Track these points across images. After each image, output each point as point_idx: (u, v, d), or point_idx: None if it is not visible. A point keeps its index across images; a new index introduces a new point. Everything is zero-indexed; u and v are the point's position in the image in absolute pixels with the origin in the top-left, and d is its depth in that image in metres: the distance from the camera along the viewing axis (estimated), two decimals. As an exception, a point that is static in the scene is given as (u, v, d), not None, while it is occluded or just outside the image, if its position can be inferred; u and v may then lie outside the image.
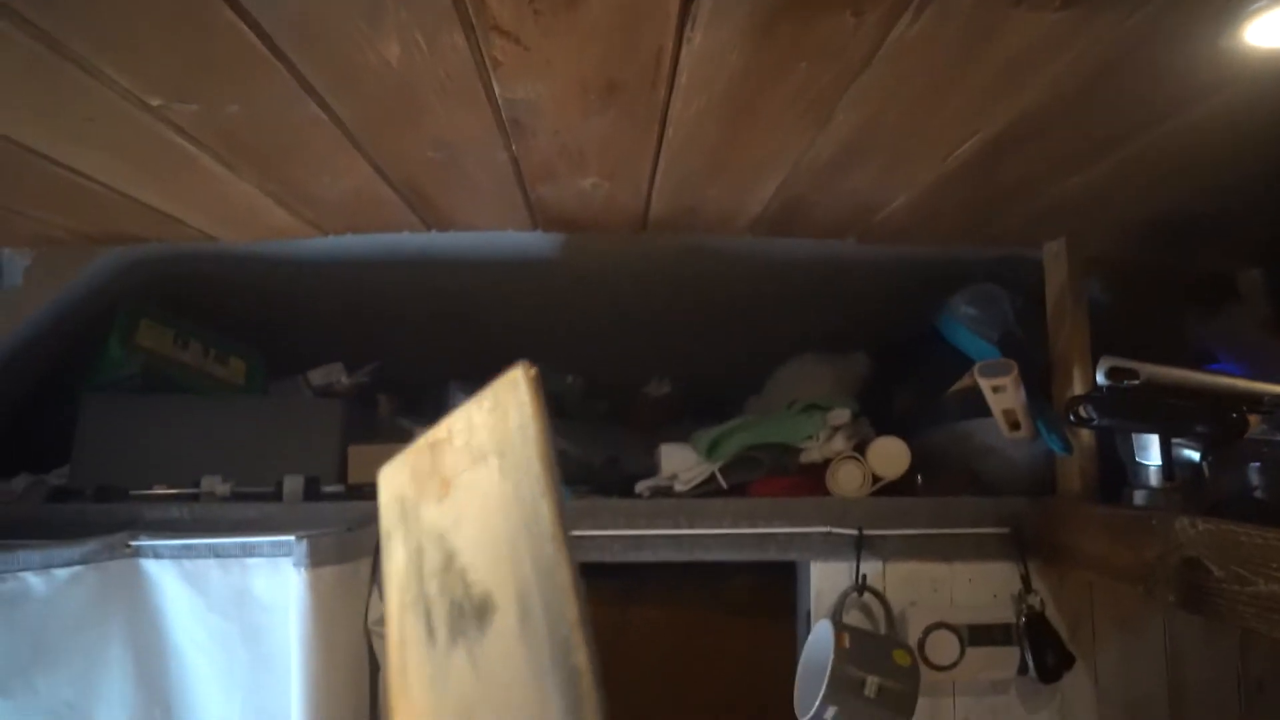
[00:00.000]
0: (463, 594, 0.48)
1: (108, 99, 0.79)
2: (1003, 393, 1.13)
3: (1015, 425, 1.22)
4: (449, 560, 0.50)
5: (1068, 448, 1.21)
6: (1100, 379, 1.02)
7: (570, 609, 0.42)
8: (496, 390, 0.51)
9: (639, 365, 1.70)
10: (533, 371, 0.48)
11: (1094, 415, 0.97)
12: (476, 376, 1.53)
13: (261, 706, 1.15)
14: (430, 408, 1.52)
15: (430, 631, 0.50)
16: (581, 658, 0.40)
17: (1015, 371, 1.10)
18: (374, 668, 1.16)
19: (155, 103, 0.81)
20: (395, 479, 0.58)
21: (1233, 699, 1.33)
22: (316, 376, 1.50)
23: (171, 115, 0.84)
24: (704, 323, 1.68)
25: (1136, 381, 0.98)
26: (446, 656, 0.48)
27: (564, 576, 0.43)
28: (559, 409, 1.53)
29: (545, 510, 0.44)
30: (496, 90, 0.81)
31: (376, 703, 1.16)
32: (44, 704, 1.10)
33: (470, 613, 0.47)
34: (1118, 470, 1.22)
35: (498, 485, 0.48)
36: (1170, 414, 0.96)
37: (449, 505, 0.51)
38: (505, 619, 0.45)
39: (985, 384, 1.12)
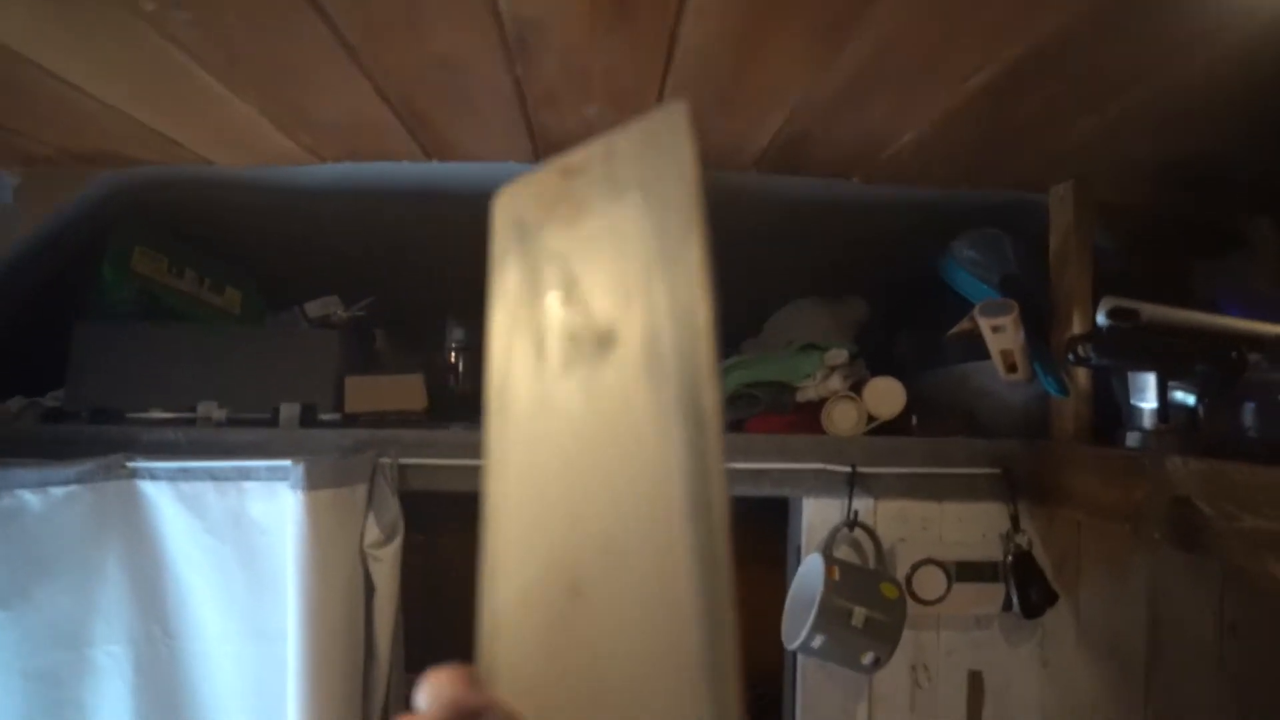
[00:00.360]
0: (583, 322, 0.46)
1: (100, 2, 0.77)
2: (1002, 333, 1.13)
3: (1012, 368, 1.23)
4: (570, 287, 0.47)
5: (1064, 390, 1.22)
6: (1101, 320, 1.02)
7: (704, 352, 0.40)
8: (649, 122, 0.47)
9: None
10: (688, 107, 0.45)
11: (1093, 355, 0.98)
12: (472, 313, 1.54)
13: (259, 626, 1.17)
14: (427, 343, 1.52)
15: (540, 355, 0.47)
16: (710, 400, 0.39)
17: (1015, 312, 1.10)
18: (369, 590, 1.18)
19: (149, 8, 0.78)
20: (515, 203, 0.54)
21: (1208, 639, 1.36)
22: (313, 309, 1.49)
23: (167, 23, 0.81)
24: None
25: (1137, 321, 0.98)
26: (557, 383, 0.45)
27: (702, 318, 0.40)
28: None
29: (692, 249, 0.42)
30: (503, 6, 0.80)
31: (371, 622, 1.17)
32: (43, 616, 1.11)
33: (589, 343, 0.45)
34: (1111, 415, 1.23)
35: (638, 217, 0.45)
36: (1169, 353, 0.97)
37: (577, 231, 0.48)
38: (629, 352, 0.43)
39: (985, 324, 1.12)
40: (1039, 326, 1.26)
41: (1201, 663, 1.37)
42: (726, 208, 1.49)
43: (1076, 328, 1.18)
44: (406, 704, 1.33)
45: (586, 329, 0.46)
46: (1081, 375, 1.25)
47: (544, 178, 0.52)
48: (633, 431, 0.42)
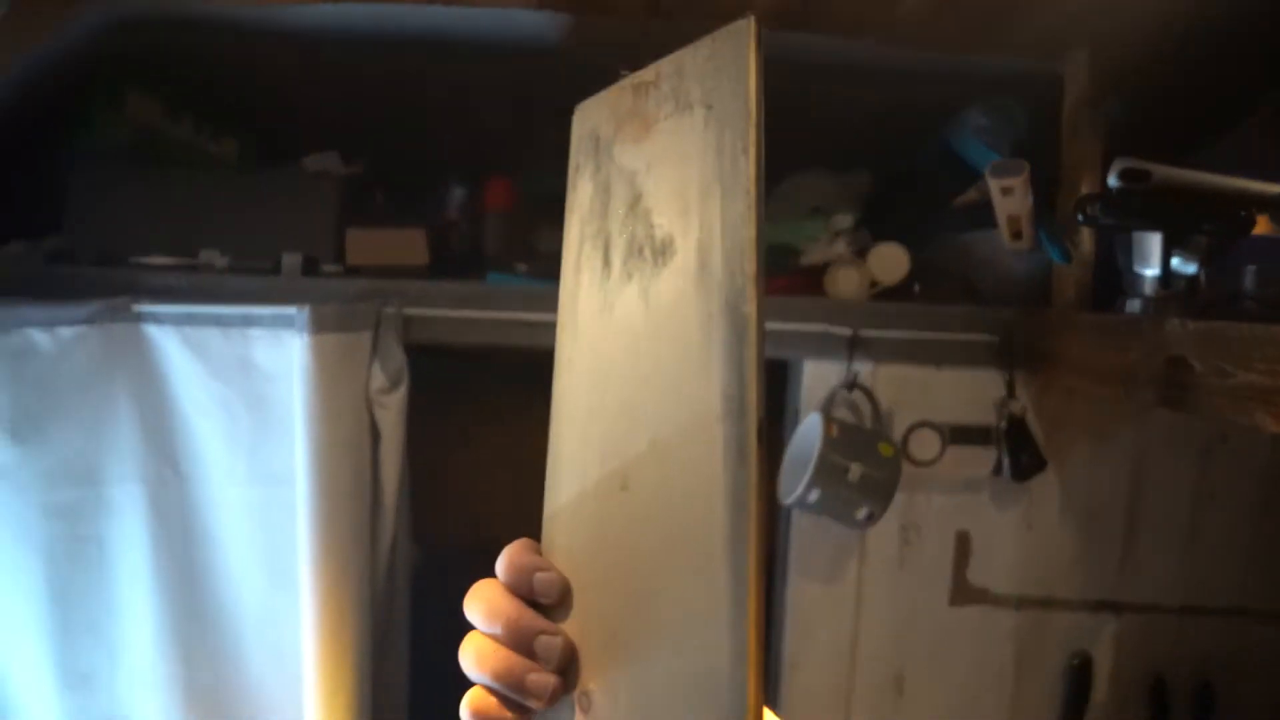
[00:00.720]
0: (645, 234, 0.49)
1: None
2: (1011, 196, 1.13)
3: (1017, 234, 1.23)
4: (636, 200, 0.51)
5: (1067, 257, 1.22)
6: (1112, 182, 1.01)
7: (750, 264, 0.43)
8: (716, 41, 0.49)
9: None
10: (758, 27, 0.47)
11: (1102, 214, 0.97)
12: (473, 173, 1.51)
13: (267, 469, 1.20)
14: (428, 204, 1.50)
15: (607, 263, 0.51)
16: (752, 309, 0.42)
17: (1026, 172, 1.09)
18: (375, 437, 1.20)
19: None
20: (591, 117, 0.57)
21: (1185, 507, 1.41)
22: (311, 163, 1.47)
23: None
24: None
25: (1148, 183, 0.98)
26: (619, 289, 0.49)
27: (749, 233, 0.43)
28: (551, 211, 1.51)
29: (745, 167, 0.44)
30: None
31: (378, 468, 1.20)
32: (56, 452, 1.13)
33: (649, 252, 0.48)
34: (1111, 284, 1.24)
35: (700, 135, 0.47)
36: (1177, 214, 0.97)
37: (645, 147, 0.51)
38: (683, 261, 0.46)
39: (995, 184, 1.11)
40: (1046, 194, 1.25)
41: (1176, 532, 1.43)
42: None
43: (1086, 189, 1.18)
44: (413, 546, 1.38)
45: (648, 240, 0.49)
46: (1085, 242, 1.25)
47: (618, 94, 0.55)
48: (682, 337, 0.45)
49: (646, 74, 0.53)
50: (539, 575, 0.46)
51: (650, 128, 0.51)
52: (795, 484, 1.19)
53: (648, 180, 0.50)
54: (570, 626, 0.46)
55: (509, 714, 0.45)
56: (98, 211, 1.26)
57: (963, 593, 1.39)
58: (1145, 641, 1.43)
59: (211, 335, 1.17)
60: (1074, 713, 1.40)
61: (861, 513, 1.20)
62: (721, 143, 0.46)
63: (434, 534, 1.57)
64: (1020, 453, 1.31)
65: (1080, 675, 1.41)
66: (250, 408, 1.18)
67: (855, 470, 1.18)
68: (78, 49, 1.30)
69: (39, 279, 1.22)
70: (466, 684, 0.48)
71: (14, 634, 1.18)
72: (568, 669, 0.45)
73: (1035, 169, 1.21)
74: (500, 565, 0.47)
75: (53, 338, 1.12)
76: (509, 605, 0.46)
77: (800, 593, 1.36)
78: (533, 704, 0.44)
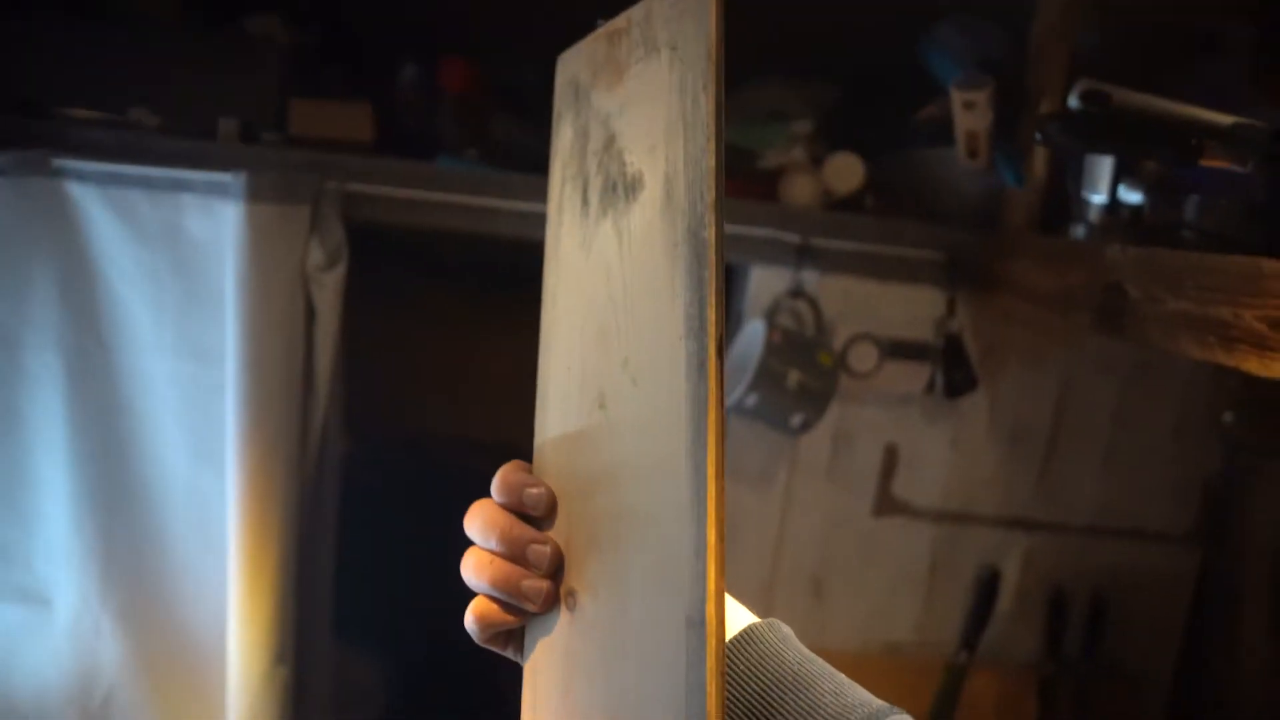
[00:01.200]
0: (618, 172, 0.53)
1: None
2: (973, 110, 1.12)
3: (974, 152, 1.23)
4: (610, 141, 0.54)
5: (1020, 180, 1.23)
6: (1073, 103, 1.01)
7: (709, 191, 0.46)
8: None
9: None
10: None
11: (1059, 135, 0.97)
12: (429, 54, 1.44)
13: (195, 345, 1.16)
14: (379, 82, 1.43)
15: (585, 203, 0.55)
16: (711, 234, 0.45)
17: (990, 88, 1.08)
18: (310, 316, 1.16)
19: None
20: (570, 66, 0.61)
21: (1104, 431, 1.47)
22: (252, 25, 1.38)
23: None
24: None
25: (1108, 106, 0.98)
26: (596, 225, 0.53)
27: (709, 163, 0.46)
28: (513, 98, 1.46)
29: (705, 104, 0.47)
30: None
31: (312, 348, 1.17)
32: (-33, 314, 1.08)
33: (622, 189, 0.52)
34: (1059, 211, 1.26)
35: (665, 75, 0.51)
36: (1132, 137, 0.97)
37: (618, 92, 0.55)
38: (651, 195, 0.50)
39: (959, 97, 1.11)
40: (1008, 117, 1.25)
41: (1092, 456, 1.49)
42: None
43: (1046, 111, 1.18)
44: (345, 434, 1.36)
45: (620, 177, 0.52)
46: (1038, 165, 1.25)
47: (594, 42, 0.59)
48: (650, 264, 0.49)
49: (619, 21, 0.56)
50: (528, 491, 0.50)
51: (623, 73, 0.55)
52: (734, 387, 1.20)
53: (620, 122, 0.54)
54: (558, 534, 0.50)
55: (509, 617, 0.49)
56: (19, 56, 1.17)
57: (886, 504, 1.44)
58: (1051, 558, 1.50)
59: (139, 198, 1.11)
60: (978, 622, 1.48)
61: (796, 419, 1.22)
62: (684, 83, 0.49)
63: (365, 425, 1.55)
64: (954, 371, 1.33)
65: (988, 588, 1.48)
66: (179, 277, 1.14)
67: (794, 377, 1.19)
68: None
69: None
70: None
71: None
72: (557, 573, 0.49)
73: (1000, 90, 1.20)
74: (494, 484, 0.51)
75: (-37, 188, 1.05)
76: (502, 519, 0.49)
77: (732, 494, 1.38)
78: (529, 607, 0.48)
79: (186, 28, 1.34)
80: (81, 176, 1.09)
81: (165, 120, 1.21)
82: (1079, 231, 1.14)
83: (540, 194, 1.24)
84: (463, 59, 1.39)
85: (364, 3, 1.54)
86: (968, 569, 1.48)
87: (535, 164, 1.40)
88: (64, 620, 1.21)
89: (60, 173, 1.09)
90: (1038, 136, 1.03)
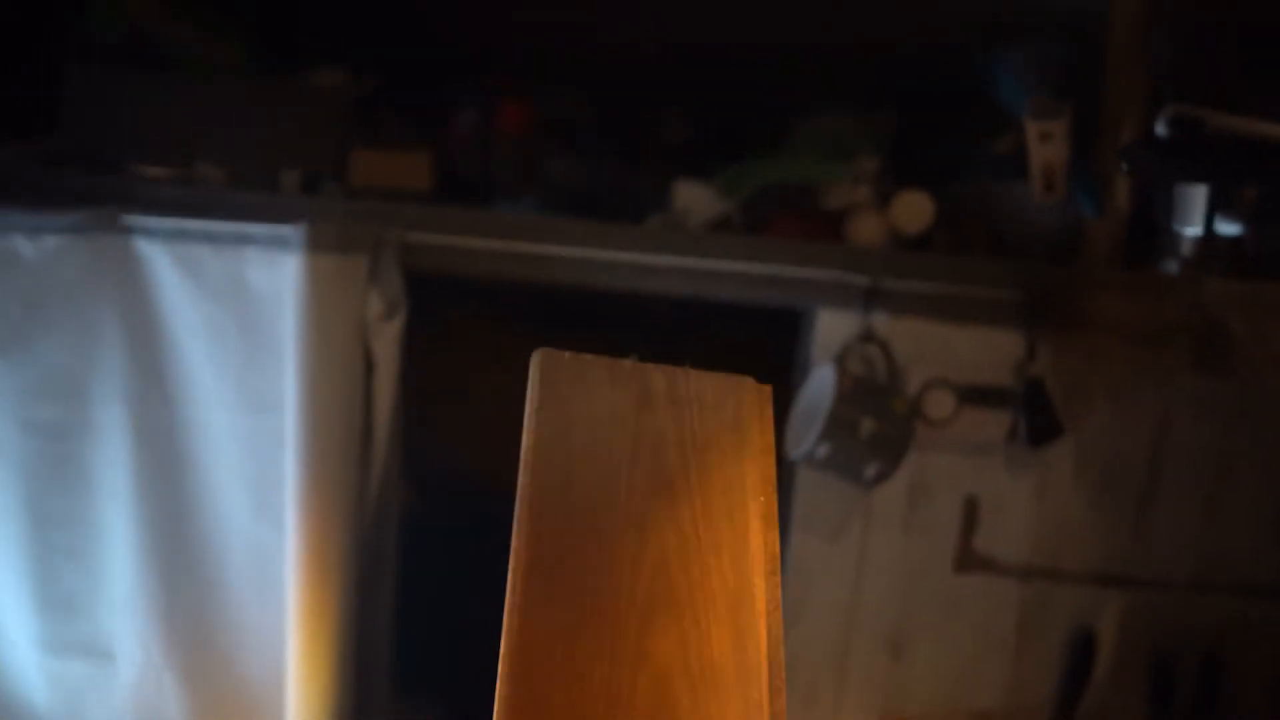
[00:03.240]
0: None
1: None
2: (1049, 142, 1.07)
3: (1050, 185, 1.17)
4: None
5: (1101, 211, 1.16)
6: (1160, 130, 0.95)
7: None
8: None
9: (654, 98, 1.59)
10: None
11: (1148, 164, 0.92)
12: (486, 95, 1.44)
13: (256, 397, 1.16)
14: (437, 126, 1.44)
15: None
16: None
17: (1068, 116, 1.03)
18: (369, 366, 1.15)
19: None
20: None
21: (1205, 478, 1.36)
22: (318, 78, 1.40)
23: None
24: (729, 52, 1.56)
25: (1201, 131, 0.92)
26: None
27: None
28: (568, 137, 1.45)
29: None
30: None
31: (370, 398, 1.16)
32: (39, 366, 1.10)
33: None
34: (1143, 244, 1.19)
35: None
36: (1229, 164, 0.91)
37: None
38: None
39: (1034, 128, 1.06)
40: (1082, 144, 1.19)
41: (1193, 505, 1.38)
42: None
43: (1127, 139, 1.12)
44: (402, 481, 1.34)
45: None
46: (1120, 197, 1.19)
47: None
48: None
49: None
50: None
51: None
52: (804, 437, 1.15)
53: None
54: None
55: None
56: (93, 113, 1.21)
57: (968, 560, 1.35)
58: (1152, 617, 1.39)
59: (204, 253, 1.12)
60: (1074, 688, 1.37)
61: (871, 470, 1.16)
62: None
63: (425, 473, 1.53)
64: (1037, 417, 1.26)
65: (1083, 650, 1.37)
66: (242, 331, 1.14)
67: (867, 426, 1.13)
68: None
69: (27, 185, 1.17)
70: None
71: (-8, 552, 1.15)
72: None
73: (1074, 116, 1.15)
74: None
75: (36, 246, 1.08)
76: None
77: (803, 549, 1.32)
78: None
79: (252, 80, 1.36)
80: (149, 232, 1.11)
81: (231, 172, 1.23)
82: (1172, 266, 1.07)
83: (597, 239, 1.22)
84: (518, 100, 1.40)
85: (420, 50, 1.56)
86: (1059, 629, 1.38)
87: (590, 207, 1.40)
88: (126, 675, 1.20)
89: (129, 229, 1.11)
90: (1124, 166, 0.97)
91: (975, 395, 1.26)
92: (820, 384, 1.19)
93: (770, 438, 0.56)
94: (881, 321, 1.25)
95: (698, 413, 0.58)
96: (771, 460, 0.56)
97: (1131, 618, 1.38)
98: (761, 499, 0.54)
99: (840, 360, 1.22)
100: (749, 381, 0.59)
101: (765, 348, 1.39)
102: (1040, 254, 1.28)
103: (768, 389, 0.59)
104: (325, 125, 1.25)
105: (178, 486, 1.17)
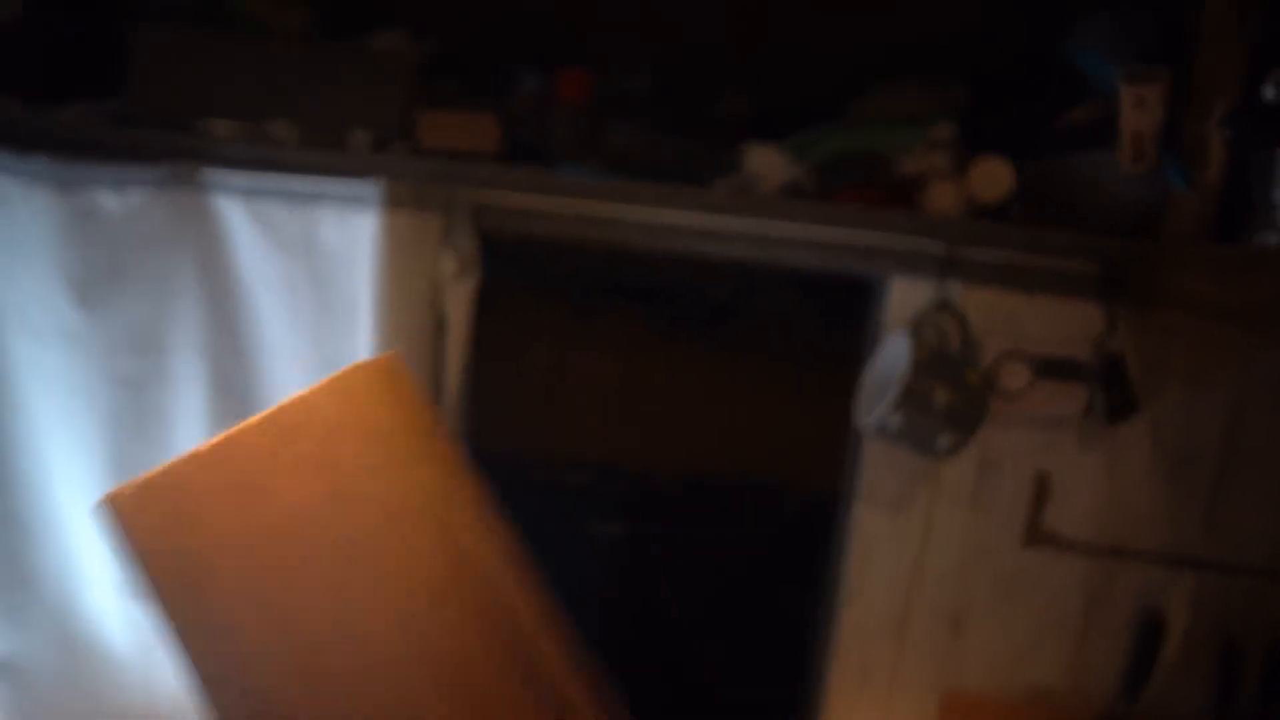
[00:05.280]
0: None
1: None
2: (1143, 108, 1.03)
3: (1140, 155, 1.13)
4: None
5: (1190, 183, 1.12)
6: (1269, 95, 0.92)
7: None
8: None
9: (713, 74, 1.57)
10: None
11: (1253, 132, 0.88)
12: (545, 61, 1.43)
13: (328, 353, 1.16)
14: (498, 93, 1.43)
15: None
16: None
17: (1167, 81, 0.99)
18: (441, 324, 1.15)
19: None
20: None
21: (1282, 464, 1.32)
22: (379, 42, 1.40)
23: None
24: (790, 25, 1.53)
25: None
26: None
27: None
28: (626, 109, 1.43)
29: None
30: None
31: (442, 357, 1.16)
32: (121, 318, 1.11)
33: None
34: (1235, 218, 1.15)
35: None
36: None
37: None
38: None
39: (1129, 93, 1.02)
40: (1173, 115, 1.15)
41: (1270, 487, 1.34)
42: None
43: (1222, 107, 1.08)
44: (470, 446, 1.34)
45: None
46: (1212, 168, 1.15)
47: None
48: None
49: None
50: None
51: None
52: (876, 406, 1.13)
53: None
54: None
55: None
56: (162, 74, 1.21)
57: (1035, 535, 1.33)
58: (1222, 601, 1.35)
59: (278, 209, 1.13)
60: (1140, 670, 1.34)
61: (944, 442, 1.14)
62: None
63: (485, 438, 1.54)
64: (1114, 393, 1.23)
65: (1150, 632, 1.34)
66: (314, 286, 1.15)
67: (941, 396, 1.11)
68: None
69: (99, 143, 1.18)
70: None
71: (75, 499, 1.17)
72: None
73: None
74: None
75: (121, 200, 1.09)
76: None
77: (866, 521, 1.31)
78: None
79: (317, 43, 1.36)
80: (227, 188, 1.12)
81: (302, 131, 1.23)
82: (1269, 238, 1.04)
83: (667, 200, 1.21)
84: (579, 68, 1.38)
85: (480, 18, 1.55)
86: (1126, 610, 1.35)
87: (653, 175, 1.39)
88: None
89: (208, 185, 1.11)
90: (1226, 133, 0.94)
91: (1050, 368, 1.24)
92: (894, 353, 1.17)
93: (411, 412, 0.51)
94: (956, 291, 1.23)
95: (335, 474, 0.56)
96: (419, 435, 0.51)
97: (1201, 601, 1.34)
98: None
99: (915, 329, 1.19)
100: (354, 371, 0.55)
101: (834, 318, 1.37)
102: (1123, 226, 1.25)
103: (383, 360, 0.55)
104: (390, 89, 1.25)
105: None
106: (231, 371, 1.16)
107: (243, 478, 0.59)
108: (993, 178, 1.23)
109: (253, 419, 0.60)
